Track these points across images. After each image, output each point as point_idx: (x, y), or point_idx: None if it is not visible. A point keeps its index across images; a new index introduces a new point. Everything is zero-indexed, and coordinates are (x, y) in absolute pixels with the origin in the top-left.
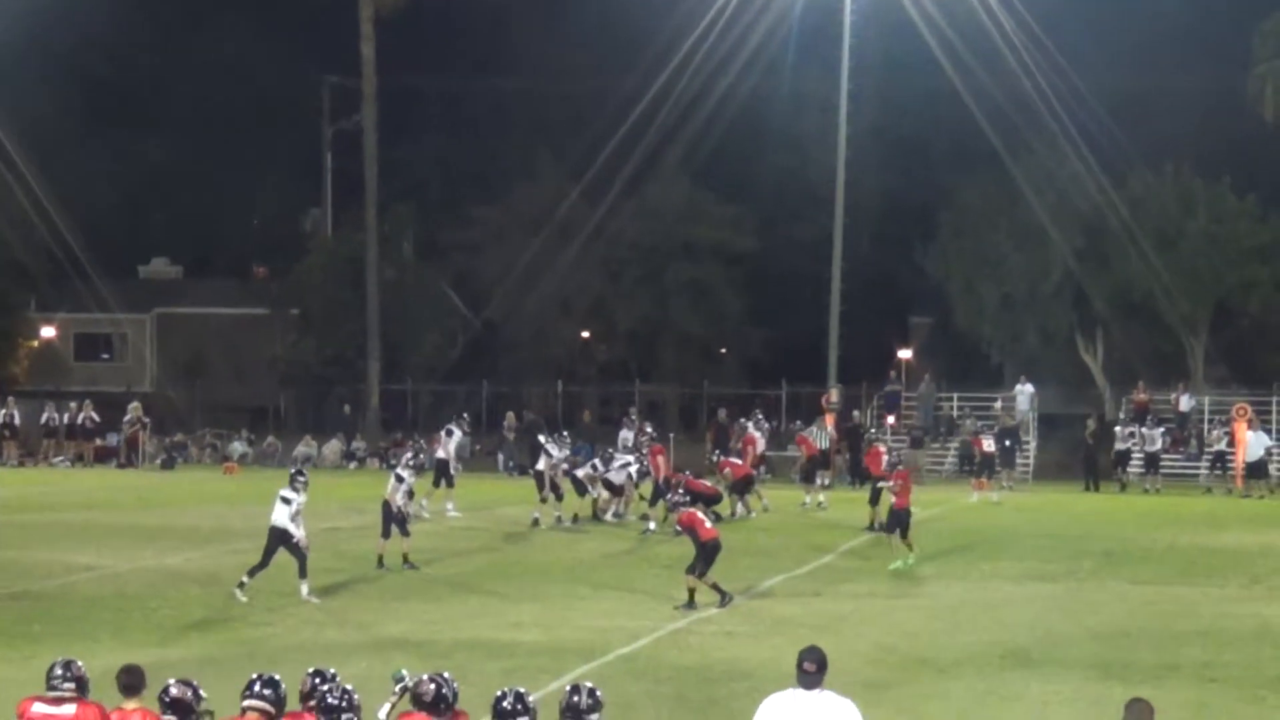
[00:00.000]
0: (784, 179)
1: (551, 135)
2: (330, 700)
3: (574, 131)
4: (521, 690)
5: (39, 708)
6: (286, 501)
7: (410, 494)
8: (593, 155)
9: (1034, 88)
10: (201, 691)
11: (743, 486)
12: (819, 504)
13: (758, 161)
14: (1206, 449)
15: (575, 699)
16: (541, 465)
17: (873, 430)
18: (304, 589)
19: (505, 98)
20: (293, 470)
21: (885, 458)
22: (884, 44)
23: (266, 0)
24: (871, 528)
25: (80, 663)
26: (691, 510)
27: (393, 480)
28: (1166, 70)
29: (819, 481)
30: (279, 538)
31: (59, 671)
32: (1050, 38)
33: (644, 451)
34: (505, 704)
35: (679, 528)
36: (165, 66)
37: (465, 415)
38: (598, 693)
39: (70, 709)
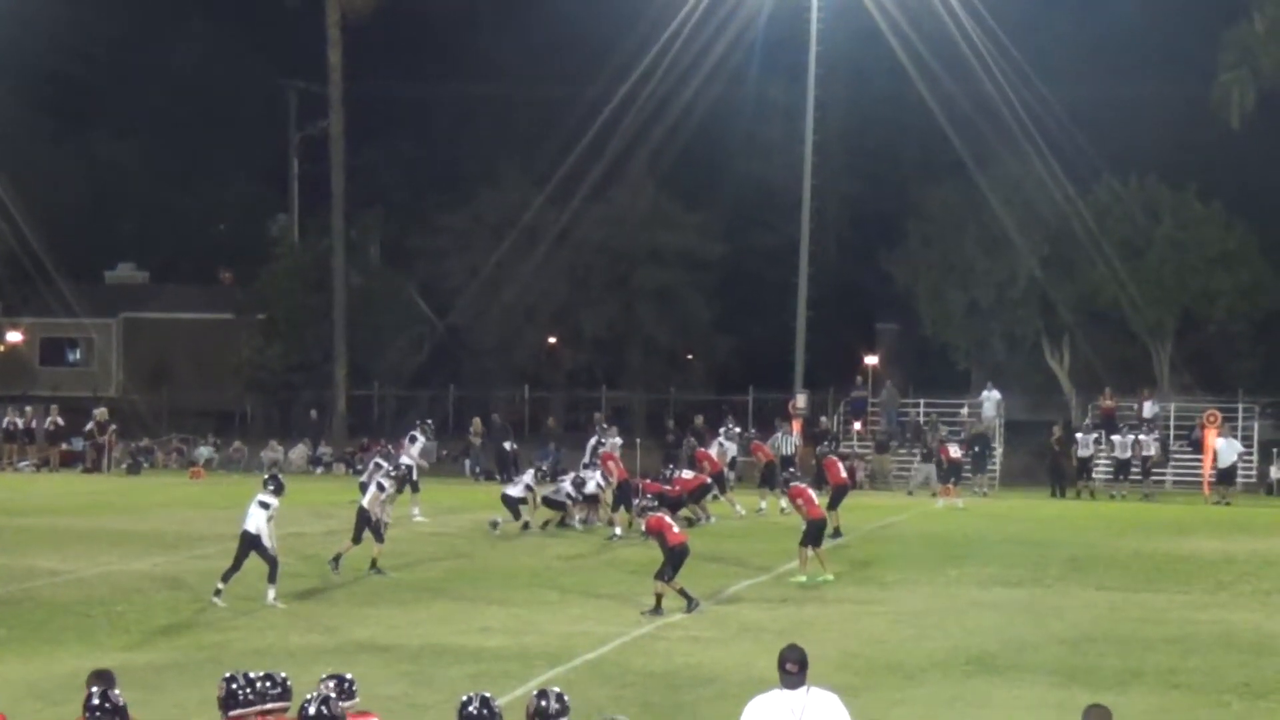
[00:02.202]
0: (751, 186)
1: (517, 141)
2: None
3: (540, 137)
4: (487, 695)
5: None
6: (265, 506)
7: (390, 502)
8: (559, 161)
9: (1000, 96)
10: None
11: (698, 495)
12: (759, 509)
13: (724, 168)
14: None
15: (544, 704)
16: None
17: (827, 443)
18: (270, 594)
19: (471, 104)
20: (267, 476)
21: (840, 467)
22: (851, 51)
23: (233, 5)
24: (835, 534)
25: None
26: (659, 515)
27: (373, 489)
28: (1132, 79)
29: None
30: (251, 542)
31: None
32: (1016, 47)
33: (597, 457)
34: (471, 709)
35: (646, 532)
36: (132, 71)
37: (429, 421)
38: (565, 698)
39: None
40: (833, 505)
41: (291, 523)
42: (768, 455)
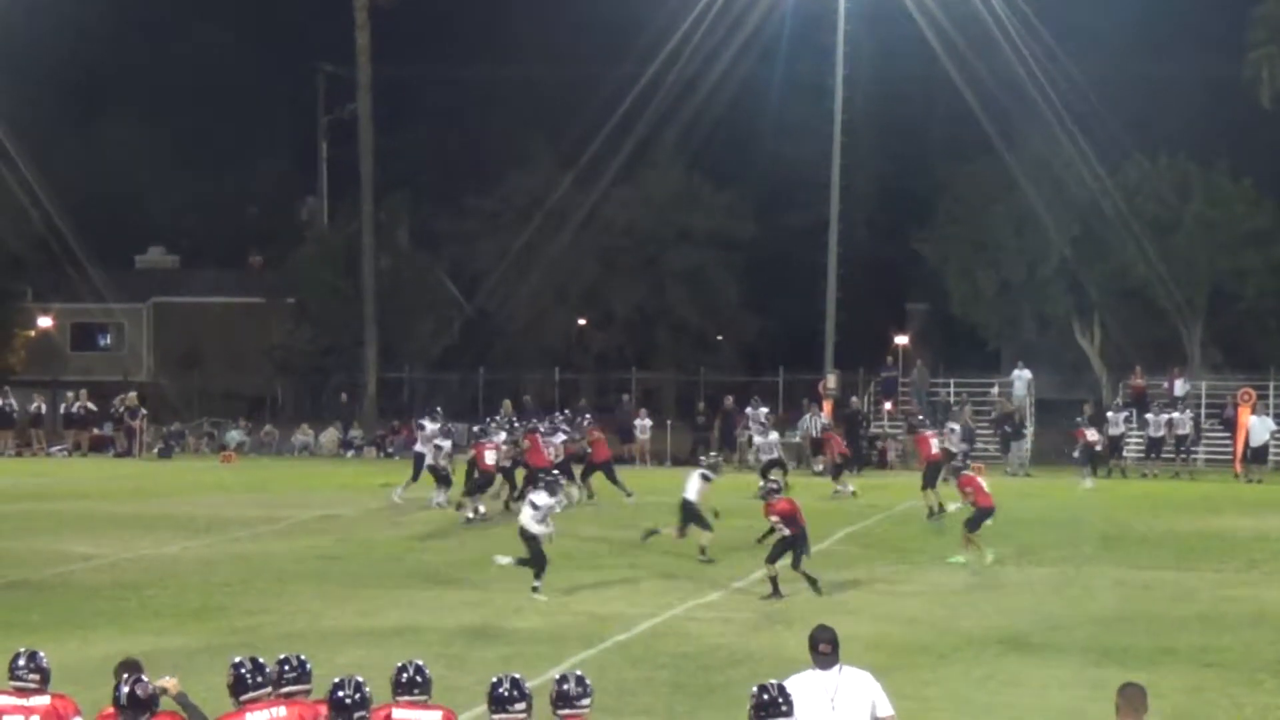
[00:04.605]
0: (780, 166)
1: (546, 122)
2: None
3: (568, 118)
4: (518, 676)
5: (6, 700)
6: (535, 506)
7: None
8: (587, 142)
9: (1029, 74)
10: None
11: (588, 470)
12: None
13: (753, 148)
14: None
15: (565, 687)
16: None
17: (920, 417)
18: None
19: (499, 85)
20: (544, 477)
21: (934, 443)
22: (879, 31)
23: None
24: (931, 514)
25: (43, 655)
26: (787, 499)
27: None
28: (1161, 57)
29: (817, 468)
30: (526, 538)
31: (23, 663)
32: (1045, 24)
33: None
34: (501, 690)
35: (773, 518)
36: (161, 55)
37: (439, 409)
38: (586, 680)
39: (43, 700)
40: (928, 484)
41: (322, 505)
42: (840, 447)
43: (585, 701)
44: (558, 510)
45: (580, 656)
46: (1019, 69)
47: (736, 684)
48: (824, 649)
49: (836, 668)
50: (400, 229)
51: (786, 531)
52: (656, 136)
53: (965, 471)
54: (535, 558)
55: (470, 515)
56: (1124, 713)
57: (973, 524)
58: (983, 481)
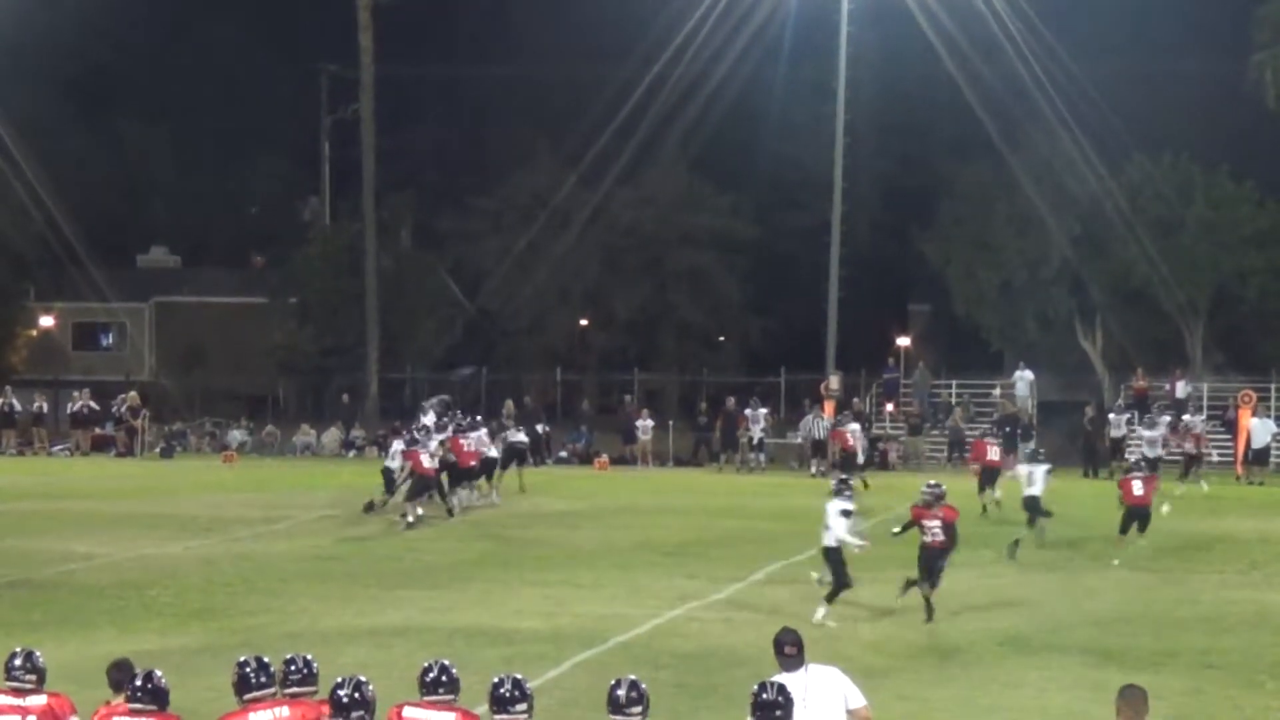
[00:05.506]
0: (782, 166)
1: (548, 122)
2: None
3: (571, 118)
4: (519, 677)
5: (3, 700)
6: (846, 515)
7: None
8: (590, 142)
9: (1031, 75)
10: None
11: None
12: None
13: (756, 149)
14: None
15: (618, 693)
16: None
17: (954, 412)
18: (820, 612)
19: (502, 85)
20: (837, 480)
21: (991, 448)
22: (882, 31)
23: None
24: (984, 511)
25: (39, 654)
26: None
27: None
28: (1164, 58)
29: (813, 469)
30: (831, 556)
31: (19, 663)
32: (1047, 24)
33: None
34: (503, 691)
35: (932, 523)
36: (163, 55)
37: (444, 397)
38: (641, 685)
39: (40, 700)
40: (984, 487)
41: (324, 506)
42: (845, 444)
43: (638, 709)
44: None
45: (581, 657)
46: (1021, 69)
47: (738, 684)
48: (789, 650)
49: (803, 668)
50: (403, 229)
51: (941, 538)
52: (659, 137)
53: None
54: (840, 576)
55: (411, 520)
56: (1124, 715)
57: (1125, 524)
58: (1137, 484)
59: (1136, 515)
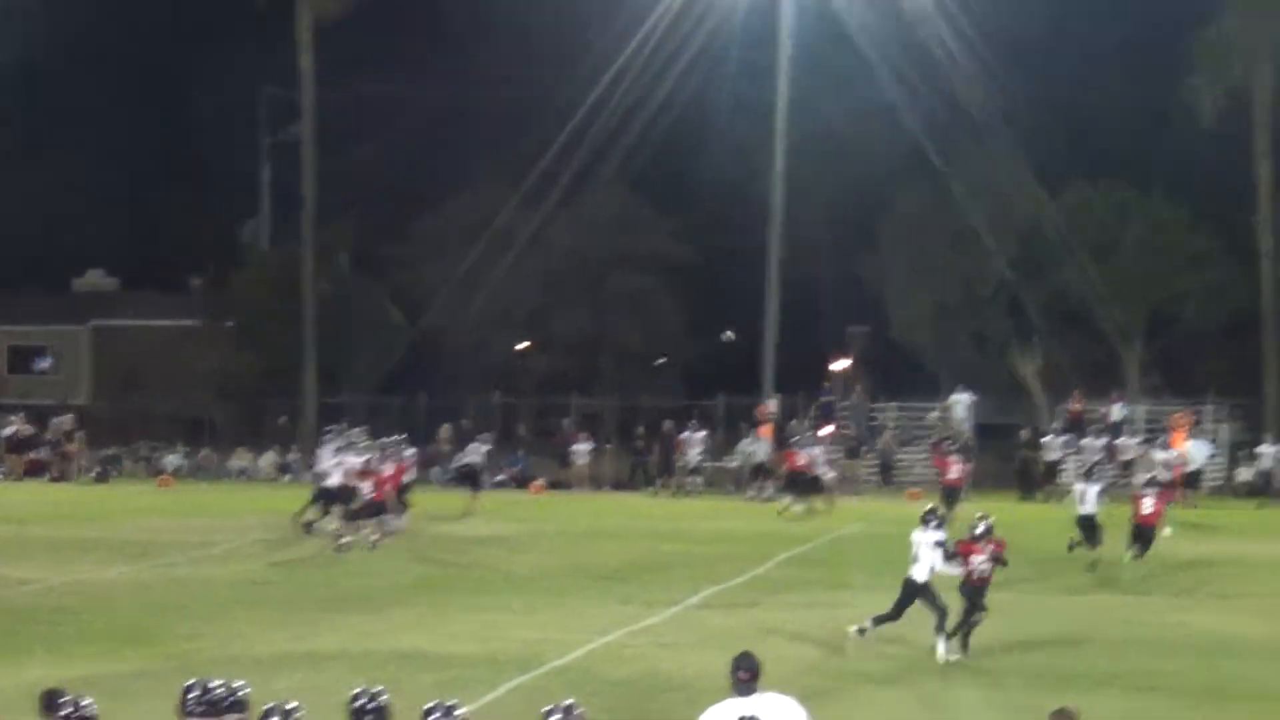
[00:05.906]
0: (723, 189)
1: (489, 145)
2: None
3: (511, 141)
4: (451, 704)
5: None
6: (939, 545)
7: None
8: (530, 165)
9: (970, 98)
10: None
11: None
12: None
13: (696, 172)
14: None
15: (553, 718)
16: None
17: (949, 441)
18: (941, 647)
19: (443, 108)
20: (926, 510)
21: (953, 467)
22: (822, 54)
23: (204, 10)
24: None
25: None
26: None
27: None
28: (1099, 82)
29: (757, 493)
30: (916, 592)
31: None
32: (988, 49)
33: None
34: (435, 716)
35: (978, 558)
36: (101, 75)
37: (344, 427)
38: (576, 710)
39: None
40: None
41: (259, 530)
42: (793, 464)
43: None
44: None
45: (516, 681)
46: (961, 92)
47: (674, 708)
48: (743, 675)
49: (756, 695)
50: (342, 251)
51: (988, 575)
52: (600, 159)
53: None
54: (937, 605)
55: (346, 540)
56: None
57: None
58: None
59: (1140, 534)
